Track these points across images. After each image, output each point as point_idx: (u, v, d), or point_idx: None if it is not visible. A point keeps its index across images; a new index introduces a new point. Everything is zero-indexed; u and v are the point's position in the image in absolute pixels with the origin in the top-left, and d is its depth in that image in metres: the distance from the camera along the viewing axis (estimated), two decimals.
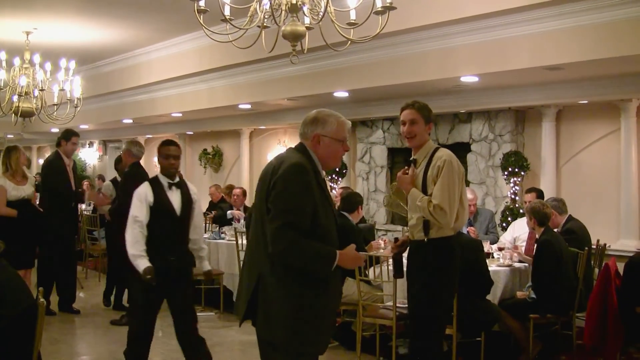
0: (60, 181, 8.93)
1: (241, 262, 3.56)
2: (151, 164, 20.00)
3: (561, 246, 6.96)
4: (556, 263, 6.78)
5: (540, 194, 8.81)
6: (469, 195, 9.06)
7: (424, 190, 5.11)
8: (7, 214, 8.26)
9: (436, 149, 5.19)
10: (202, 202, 14.57)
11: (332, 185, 12.30)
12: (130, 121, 16.66)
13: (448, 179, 4.99)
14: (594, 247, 7.88)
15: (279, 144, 15.37)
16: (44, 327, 3.97)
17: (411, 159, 5.28)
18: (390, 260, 5.76)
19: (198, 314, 8.85)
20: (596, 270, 7.69)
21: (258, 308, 3.71)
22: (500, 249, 7.69)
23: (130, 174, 8.49)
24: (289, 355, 3.73)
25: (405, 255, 5.39)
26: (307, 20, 5.58)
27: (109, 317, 8.61)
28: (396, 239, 5.42)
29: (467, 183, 10.88)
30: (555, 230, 7.80)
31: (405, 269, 5.37)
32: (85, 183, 15.81)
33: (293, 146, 3.97)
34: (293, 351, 3.72)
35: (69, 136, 9.11)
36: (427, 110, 5.22)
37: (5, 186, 8.22)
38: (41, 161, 26.76)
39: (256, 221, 3.82)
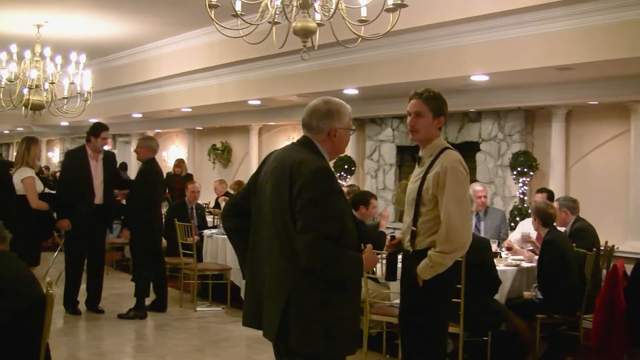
0: (79, 176, 8.30)
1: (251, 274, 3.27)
2: (160, 158, 20.06)
3: (566, 246, 6.92)
4: (561, 263, 6.73)
5: (550, 195, 8.80)
6: (478, 187, 9.00)
7: (418, 196, 4.42)
8: (39, 207, 8.00)
9: (443, 150, 4.44)
10: (207, 198, 14.70)
11: (341, 182, 12.29)
12: (140, 115, 16.72)
13: (455, 190, 4.30)
14: (602, 248, 7.87)
15: (288, 140, 15.36)
16: (52, 320, 3.99)
17: (418, 155, 4.59)
18: (384, 261, 4.98)
19: (205, 309, 8.99)
20: (604, 271, 7.68)
21: (291, 325, 3.45)
22: (509, 249, 7.67)
23: (148, 170, 8.55)
24: None
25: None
26: (318, 17, 5.60)
27: (116, 311, 8.61)
28: (392, 237, 4.77)
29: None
30: (564, 229, 7.77)
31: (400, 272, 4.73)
32: None
33: (295, 141, 3.75)
34: (334, 358, 3.63)
35: (97, 132, 8.34)
36: (437, 101, 4.46)
37: (34, 177, 7.91)
38: (50, 154, 26.87)
39: (277, 232, 3.52)
